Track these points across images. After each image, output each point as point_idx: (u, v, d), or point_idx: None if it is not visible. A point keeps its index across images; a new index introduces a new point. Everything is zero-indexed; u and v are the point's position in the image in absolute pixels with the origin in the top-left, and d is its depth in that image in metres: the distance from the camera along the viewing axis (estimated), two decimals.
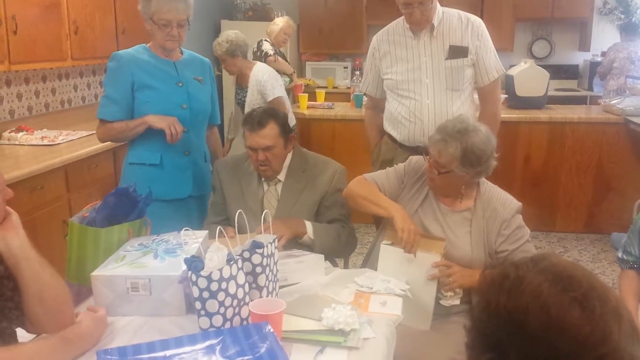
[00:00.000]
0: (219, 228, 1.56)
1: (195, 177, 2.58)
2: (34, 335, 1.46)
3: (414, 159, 2.23)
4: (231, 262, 1.50)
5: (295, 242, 2.15)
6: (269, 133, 2.19)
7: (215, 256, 1.49)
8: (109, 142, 2.83)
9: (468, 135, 1.96)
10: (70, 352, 1.43)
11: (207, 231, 1.97)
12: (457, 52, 2.56)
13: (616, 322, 0.74)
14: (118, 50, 2.52)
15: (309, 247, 2.17)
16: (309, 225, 2.19)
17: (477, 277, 1.84)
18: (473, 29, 2.57)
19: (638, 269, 2.14)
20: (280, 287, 1.77)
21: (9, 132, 3.47)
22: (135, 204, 1.97)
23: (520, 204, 2.08)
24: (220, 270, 1.46)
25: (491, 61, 2.63)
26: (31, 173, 2.85)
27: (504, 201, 2.06)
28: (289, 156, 2.31)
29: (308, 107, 5.02)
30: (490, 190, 2.10)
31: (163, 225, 2.27)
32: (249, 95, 3.95)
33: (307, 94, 5.14)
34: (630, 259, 2.16)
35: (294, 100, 5.30)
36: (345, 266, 2.43)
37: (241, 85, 4.09)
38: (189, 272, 1.47)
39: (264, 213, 1.79)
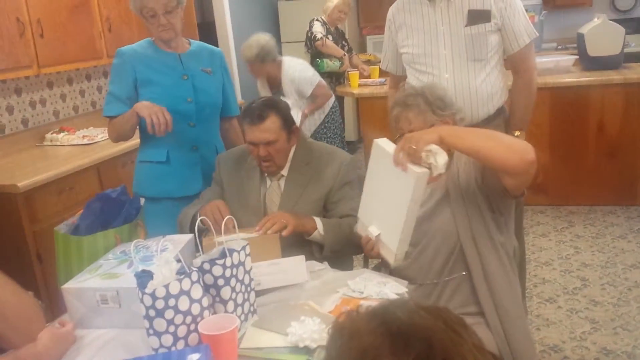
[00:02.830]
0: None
1: (205, 173, 2.48)
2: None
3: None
4: (182, 277, 1.38)
5: (302, 248, 1.98)
6: (271, 126, 2.03)
7: (161, 271, 1.37)
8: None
9: (421, 90, 1.87)
10: None
11: (191, 235, 1.87)
12: (478, 16, 2.27)
13: None
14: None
15: (319, 246, 2.01)
16: (318, 220, 2.01)
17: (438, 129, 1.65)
18: None
19: None
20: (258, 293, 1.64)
21: (51, 134, 3.56)
22: (121, 209, 1.91)
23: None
24: (167, 286, 1.35)
25: (520, 24, 2.31)
26: (58, 175, 2.89)
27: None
28: (293, 149, 2.15)
29: (360, 85, 4.81)
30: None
31: (174, 224, 2.22)
32: (287, 96, 3.85)
33: (357, 72, 4.91)
34: None
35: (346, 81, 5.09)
36: (366, 265, 2.24)
37: (273, 85, 4.00)
38: (137, 289, 1.37)
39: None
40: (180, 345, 1.38)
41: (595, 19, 4.52)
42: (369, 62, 5.88)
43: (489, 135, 1.66)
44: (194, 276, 1.41)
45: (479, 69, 2.33)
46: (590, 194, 4.23)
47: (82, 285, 1.61)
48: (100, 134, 3.61)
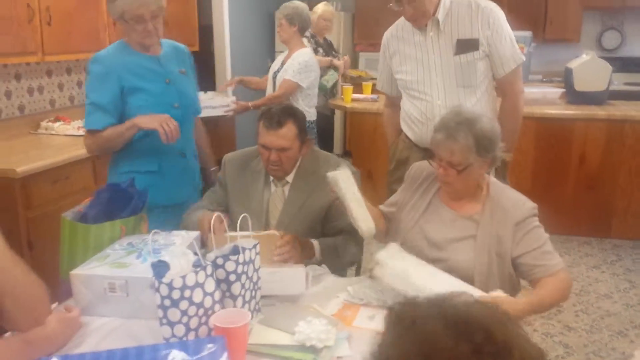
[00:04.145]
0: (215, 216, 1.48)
1: (193, 179, 2.51)
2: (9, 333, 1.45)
3: (414, 167, 2.10)
4: (198, 269, 1.43)
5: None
6: (287, 134, 2.06)
7: (179, 262, 1.42)
8: None
9: (473, 122, 1.81)
10: (32, 354, 1.40)
11: (197, 232, 1.91)
12: (466, 45, 2.36)
13: None
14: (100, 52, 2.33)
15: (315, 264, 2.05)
16: (316, 244, 2.04)
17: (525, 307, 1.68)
18: (483, 17, 2.35)
19: None
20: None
21: (47, 122, 3.56)
22: (129, 200, 1.94)
23: (535, 204, 1.87)
24: (184, 277, 1.39)
25: (506, 50, 2.39)
26: (54, 164, 2.89)
27: (515, 202, 1.86)
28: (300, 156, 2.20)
29: (352, 100, 4.89)
30: (501, 190, 1.92)
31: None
32: (282, 72, 3.82)
33: (352, 87, 5.00)
34: None
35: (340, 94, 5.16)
36: (357, 274, 2.31)
37: (285, 61, 3.95)
38: (153, 278, 1.40)
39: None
40: (192, 336, 1.42)
41: (584, 55, 4.70)
42: (360, 79, 5.99)
43: (557, 300, 1.81)
44: (209, 270, 1.46)
45: (470, 94, 2.41)
46: (567, 224, 4.36)
47: (91, 272, 1.64)
48: None
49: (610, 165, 4.27)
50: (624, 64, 6.00)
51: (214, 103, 3.88)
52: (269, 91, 4.00)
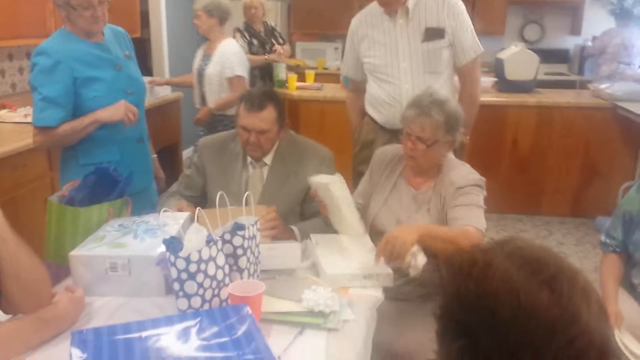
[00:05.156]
0: (198, 209, 1.54)
1: (150, 165, 2.51)
2: (10, 316, 1.45)
3: (377, 152, 2.25)
4: (211, 244, 1.49)
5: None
6: (267, 116, 2.13)
7: (195, 237, 1.47)
8: None
9: (444, 102, 2.00)
10: (46, 333, 1.42)
11: (188, 213, 1.95)
12: (433, 34, 2.53)
13: (585, 303, 0.74)
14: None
15: None
16: (296, 231, 2.12)
17: (417, 230, 1.76)
18: (449, 9, 2.53)
19: (620, 252, 2.16)
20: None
21: None
22: (115, 184, 1.95)
23: (482, 177, 2.03)
24: (199, 251, 1.45)
25: (468, 40, 2.59)
26: (14, 151, 2.82)
27: (463, 173, 2.03)
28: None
29: (297, 88, 4.98)
30: (455, 165, 2.09)
31: None
32: (212, 66, 3.81)
33: (296, 75, 5.08)
34: (612, 243, 2.18)
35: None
36: None
37: (208, 53, 3.92)
38: (167, 253, 1.45)
39: (245, 195, 1.76)
40: (206, 307, 1.48)
41: (513, 47, 5.01)
42: (297, 67, 6.07)
43: (452, 239, 1.79)
44: (219, 244, 1.52)
45: (434, 80, 2.57)
46: (502, 203, 4.66)
47: (91, 252, 1.66)
48: None
49: (540, 149, 4.61)
50: (544, 56, 6.39)
51: (154, 91, 3.84)
52: (196, 86, 3.95)
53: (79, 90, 2.20)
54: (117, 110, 2.20)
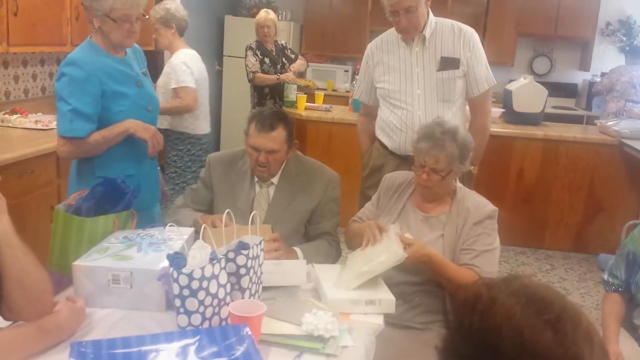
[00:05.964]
0: (204, 226, 1.55)
1: (158, 182, 2.53)
2: (10, 323, 1.45)
3: (386, 178, 2.26)
4: (214, 261, 1.49)
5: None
6: (277, 137, 2.14)
7: (199, 254, 1.48)
8: None
9: (455, 132, 2.02)
10: (46, 342, 1.42)
11: (192, 229, 1.95)
12: (449, 63, 2.56)
13: (587, 345, 0.75)
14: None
15: None
16: (299, 252, 2.12)
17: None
18: (465, 40, 2.57)
19: (622, 292, 2.15)
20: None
21: (3, 114, 3.45)
22: (122, 195, 1.96)
23: (495, 208, 2.06)
24: (202, 268, 1.45)
25: (482, 72, 2.62)
26: (22, 157, 2.84)
27: (477, 204, 2.06)
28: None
29: (306, 109, 5.01)
30: (467, 193, 2.12)
31: None
32: (160, 78, 3.68)
33: (305, 95, 5.12)
34: (615, 282, 2.17)
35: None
36: None
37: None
38: (170, 269, 1.45)
39: (252, 214, 1.77)
40: (206, 325, 1.48)
41: (522, 79, 5.05)
42: (307, 88, 6.11)
43: (456, 276, 1.92)
44: (222, 263, 1.53)
45: (447, 108, 2.60)
46: (505, 235, 4.58)
47: (94, 263, 1.66)
48: (53, 121, 3.53)
49: (545, 182, 4.61)
50: (552, 89, 6.45)
51: None
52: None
53: (106, 103, 2.21)
54: (147, 130, 2.24)
